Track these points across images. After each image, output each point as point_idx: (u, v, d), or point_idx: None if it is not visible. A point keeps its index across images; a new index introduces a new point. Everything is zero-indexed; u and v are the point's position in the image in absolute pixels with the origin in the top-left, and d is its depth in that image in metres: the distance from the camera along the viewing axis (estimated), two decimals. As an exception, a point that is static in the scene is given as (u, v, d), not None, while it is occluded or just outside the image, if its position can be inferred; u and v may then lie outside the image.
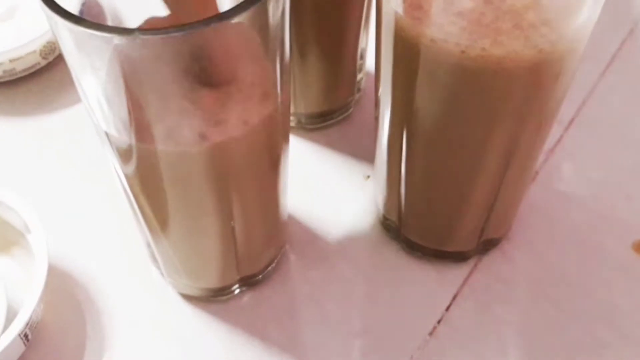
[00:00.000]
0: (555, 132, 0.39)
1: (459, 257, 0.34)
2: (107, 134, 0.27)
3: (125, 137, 0.26)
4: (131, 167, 0.27)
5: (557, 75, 0.26)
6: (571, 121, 0.40)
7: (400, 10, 0.26)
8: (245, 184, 0.29)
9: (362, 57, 0.40)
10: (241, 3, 0.23)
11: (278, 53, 0.26)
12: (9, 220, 0.34)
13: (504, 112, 0.27)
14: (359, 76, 0.41)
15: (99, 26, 0.22)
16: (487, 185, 0.31)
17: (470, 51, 0.25)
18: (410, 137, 0.30)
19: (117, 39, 0.22)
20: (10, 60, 0.43)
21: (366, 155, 0.39)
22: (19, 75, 0.44)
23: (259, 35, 0.25)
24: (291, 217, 0.37)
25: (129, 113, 0.25)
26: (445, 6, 0.24)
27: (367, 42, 0.40)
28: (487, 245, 0.34)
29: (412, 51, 0.26)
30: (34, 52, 0.43)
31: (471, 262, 0.34)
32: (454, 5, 0.24)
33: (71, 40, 0.23)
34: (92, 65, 0.24)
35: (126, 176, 0.28)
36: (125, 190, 0.30)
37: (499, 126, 0.28)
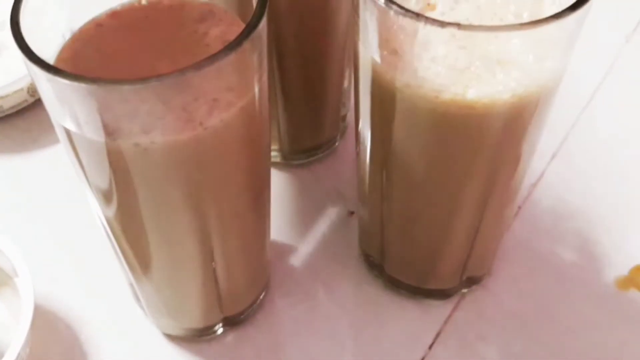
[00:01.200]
0: (537, 166, 0.40)
1: (442, 295, 0.34)
2: (86, 176, 0.27)
3: (105, 180, 0.26)
4: (111, 209, 0.28)
5: (532, 117, 0.27)
6: (554, 155, 0.41)
7: (376, 56, 0.26)
8: (226, 222, 0.29)
9: (347, 92, 0.41)
10: (219, 51, 0.23)
11: (257, 92, 0.26)
12: (-2, 262, 0.34)
13: (480, 153, 0.28)
14: (344, 110, 0.42)
15: (77, 77, 0.22)
16: (467, 224, 0.31)
17: (444, 96, 0.25)
18: (390, 175, 0.30)
19: (96, 90, 0.22)
20: (-2, 98, 0.43)
21: (351, 191, 0.39)
22: (7, 112, 0.44)
23: (237, 77, 0.25)
24: (275, 254, 0.37)
25: (109, 157, 0.25)
26: (420, 52, 0.25)
27: (352, 77, 0.40)
28: (469, 282, 0.35)
29: (388, 94, 0.26)
30: (22, 89, 0.44)
31: (454, 299, 0.35)
32: (428, 51, 0.25)
33: (50, 89, 0.24)
34: (71, 113, 0.24)
35: (106, 218, 0.28)
36: (106, 231, 0.30)
37: (477, 166, 0.28)
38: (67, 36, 0.28)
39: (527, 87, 0.25)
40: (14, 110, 0.44)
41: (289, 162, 0.42)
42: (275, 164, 0.41)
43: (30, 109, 0.45)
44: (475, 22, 0.27)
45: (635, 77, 0.45)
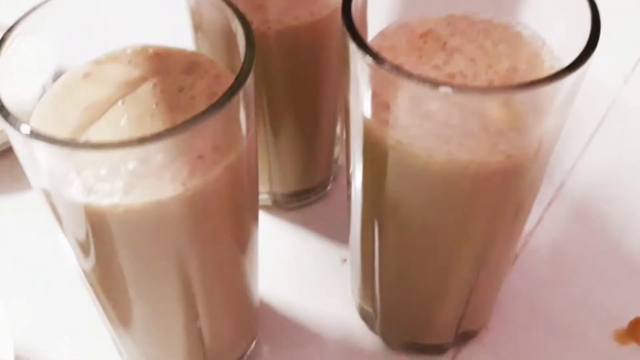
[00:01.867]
0: (534, 213, 0.39)
1: (437, 350, 0.33)
2: (64, 233, 0.26)
3: (83, 238, 0.25)
4: (90, 265, 0.26)
5: (529, 174, 0.26)
6: (550, 202, 0.40)
7: (367, 111, 0.25)
8: (211, 281, 0.28)
9: (340, 136, 0.40)
10: (205, 110, 0.22)
11: (245, 148, 0.25)
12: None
13: (474, 211, 0.27)
14: (336, 153, 0.41)
15: (54, 140, 0.21)
16: (462, 279, 0.30)
17: (437, 155, 0.24)
18: (382, 228, 0.29)
19: (74, 153, 0.21)
20: (-17, 139, 0.42)
21: (343, 237, 0.38)
22: (-11, 153, 0.43)
23: (223, 134, 0.24)
24: (264, 304, 0.35)
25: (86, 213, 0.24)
26: (411, 109, 0.24)
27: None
28: (465, 336, 0.33)
29: (380, 150, 0.26)
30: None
31: (449, 354, 0.33)
32: (420, 108, 0.24)
33: (25, 149, 0.23)
34: (47, 172, 0.23)
35: (85, 274, 0.27)
36: (86, 286, 0.29)
37: (471, 223, 0.27)
38: (48, 88, 0.27)
39: (523, 149, 0.24)
40: (-1, 150, 0.43)
41: (279, 206, 0.41)
42: (266, 208, 0.40)
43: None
44: (470, 75, 0.26)
45: (633, 119, 0.44)
